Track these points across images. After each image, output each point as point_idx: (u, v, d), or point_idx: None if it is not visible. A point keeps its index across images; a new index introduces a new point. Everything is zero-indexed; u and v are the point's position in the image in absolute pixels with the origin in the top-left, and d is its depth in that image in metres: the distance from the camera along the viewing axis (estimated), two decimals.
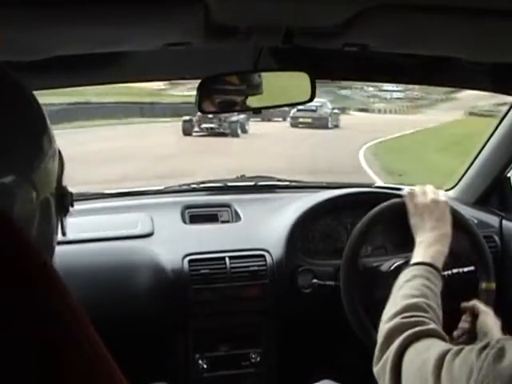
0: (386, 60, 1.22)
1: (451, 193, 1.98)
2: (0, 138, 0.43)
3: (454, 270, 1.44)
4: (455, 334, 1.27)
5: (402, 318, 0.93)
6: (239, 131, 14.08)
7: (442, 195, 1.31)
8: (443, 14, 0.84)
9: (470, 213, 1.69)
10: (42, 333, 0.32)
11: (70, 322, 0.34)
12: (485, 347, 0.74)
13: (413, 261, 1.14)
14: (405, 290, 1.02)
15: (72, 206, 0.56)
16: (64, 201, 0.54)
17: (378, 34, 0.99)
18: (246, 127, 14.72)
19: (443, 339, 0.88)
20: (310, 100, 1.19)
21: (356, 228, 1.40)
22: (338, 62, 1.26)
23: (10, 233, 0.35)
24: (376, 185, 1.90)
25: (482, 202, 1.87)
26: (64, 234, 0.56)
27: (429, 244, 1.18)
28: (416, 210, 1.28)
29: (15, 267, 0.33)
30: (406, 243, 1.66)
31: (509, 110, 1.66)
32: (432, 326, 0.91)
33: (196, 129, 14.12)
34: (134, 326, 1.47)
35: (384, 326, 0.96)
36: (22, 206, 0.45)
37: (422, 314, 0.94)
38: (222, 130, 13.56)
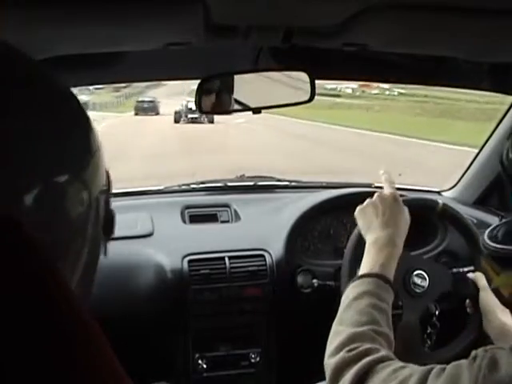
0: (385, 60, 1.22)
1: (450, 193, 1.98)
2: (47, 137, 0.42)
3: (454, 270, 1.44)
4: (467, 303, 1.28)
5: (347, 351, 0.86)
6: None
7: (390, 187, 1.20)
8: (443, 13, 0.84)
9: (469, 212, 1.69)
10: (49, 337, 0.32)
11: (77, 325, 0.34)
12: (474, 358, 0.72)
13: (362, 269, 1.05)
14: (352, 315, 0.94)
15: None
16: (111, 223, 0.53)
17: (377, 33, 0.99)
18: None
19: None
20: (310, 100, 1.19)
21: (356, 228, 1.39)
22: (337, 61, 1.26)
23: (18, 234, 0.35)
24: (376, 185, 1.89)
25: (481, 201, 1.87)
26: (105, 254, 0.54)
27: (380, 247, 1.07)
28: (361, 209, 1.18)
29: (23, 271, 0.33)
30: (406, 243, 1.66)
31: (508, 110, 1.67)
32: (382, 352, 0.84)
33: (183, 118, 20.16)
34: (133, 325, 1.47)
35: (329, 361, 0.88)
36: (73, 207, 0.44)
37: (369, 343, 0.87)
38: (201, 120, 18.73)
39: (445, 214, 1.41)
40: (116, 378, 0.34)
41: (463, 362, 0.74)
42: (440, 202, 1.39)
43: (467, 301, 1.29)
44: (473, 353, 0.74)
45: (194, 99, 1.19)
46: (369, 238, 1.12)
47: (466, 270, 1.44)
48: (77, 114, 0.47)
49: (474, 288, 1.26)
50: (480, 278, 1.26)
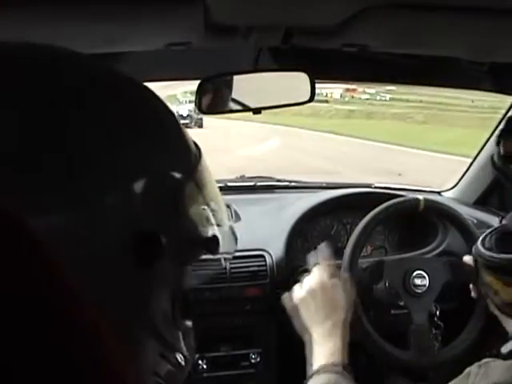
0: (385, 60, 1.22)
1: (451, 193, 1.98)
2: (157, 136, 0.43)
3: (452, 260, 1.45)
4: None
5: None
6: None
7: (326, 267, 1.21)
8: (443, 13, 0.84)
9: (469, 213, 1.69)
10: (58, 342, 0.32)
11: (86, 328, 0.34)
12: (468, 375, 0.74)
13: (315, 363, 1.08)
14: None
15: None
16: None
17: (377, 33, 0.99)
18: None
19: None
20: (310, 100, 1.19)
21: (357, 228, 1.40)
22: (337, 62, 1.26)
23: (23, 237, 0.35)
24: (376, 185, 1.90)
25: (481, 201, 1.87)
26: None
27: (325, 340, 1.10)
28: (302, 300, 1.19)
29: (32, 275, 0.33)
30: (406, 243, 1.66)
31: (508, 110, 1.67)
32: None
33: None
34: None
35: None
36: (188, 205, 0.43)
37: None
38: (190, 125, 19.04)
39: (431, 210, 1.40)
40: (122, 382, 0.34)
41: (457, 379, 0.76)
42: (421, 198, 1.38)
43: (471, 285, 1.29)
44: (467, 370, 0.76)
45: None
46: (313, 332, 1.14)
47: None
48: (167, 113, 0.48)
49: (473, 272, 1.26)
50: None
